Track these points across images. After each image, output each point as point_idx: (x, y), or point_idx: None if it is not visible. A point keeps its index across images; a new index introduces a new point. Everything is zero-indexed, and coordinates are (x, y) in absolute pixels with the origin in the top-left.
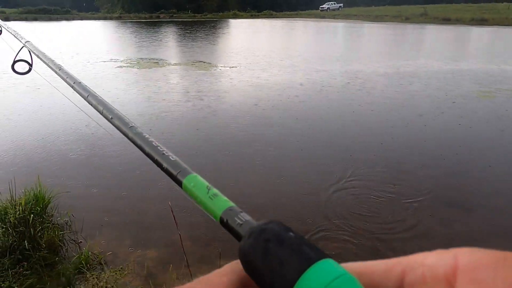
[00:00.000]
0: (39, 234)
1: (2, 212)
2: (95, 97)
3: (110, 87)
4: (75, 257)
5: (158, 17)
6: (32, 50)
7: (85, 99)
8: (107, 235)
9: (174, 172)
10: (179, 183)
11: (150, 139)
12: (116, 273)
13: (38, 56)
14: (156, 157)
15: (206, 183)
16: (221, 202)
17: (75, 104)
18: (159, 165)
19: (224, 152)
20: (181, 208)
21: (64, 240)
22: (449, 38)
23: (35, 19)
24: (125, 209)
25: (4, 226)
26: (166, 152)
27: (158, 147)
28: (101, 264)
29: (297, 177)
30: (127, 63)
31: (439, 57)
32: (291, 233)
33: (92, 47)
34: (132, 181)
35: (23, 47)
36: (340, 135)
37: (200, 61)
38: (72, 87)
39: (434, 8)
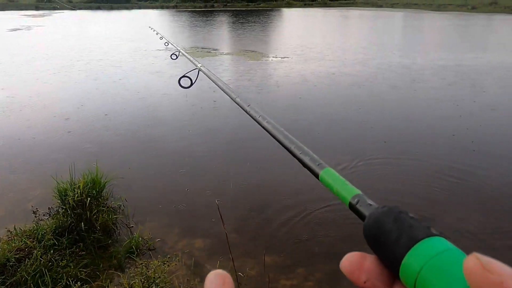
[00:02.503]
0: (95, 216)
1: (63, 194)
2: (253, 108)
3: (164, 75)
4: (126, 242)
5: (213, 6)
6: (204, 72)
7: (244, 109)
8: (157, 221)
9: (313, 165)
10: (316, 175)
11: (293, 138)
12: (163, 263)
13: (208, 77)
14: (299, 153)
15: (339, 175)
16: (352, 190)
17: None
18: (300, 160)
19: None
20: (230, 202)
21: (117, 224)
22: None
23: (99, 8)
24: (176, 198)
25: (64, 207)
26: (307, 149)
27: (302, 145)
28: (150, 250)
29: None
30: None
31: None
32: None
33: (148, 35)
34: (184, 172)
35: (196, 69)
36: None
37: (252, 51)
38: (233, 100)
39: None
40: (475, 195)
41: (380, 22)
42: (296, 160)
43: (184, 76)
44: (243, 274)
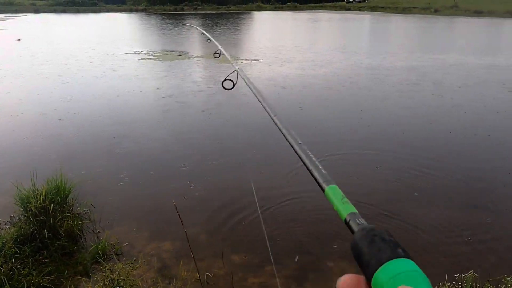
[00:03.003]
0: (59, 223)
1: (25, 201)
2: (280, 119)
3: (132, 80)
4: (93, 247)
5: (182, 9)
6: (241, 74)
7: (272, 117)
8: (126, 226)
9: (321, 180)
10: (322, 189)
11: (310, 154)
12: (129, 265)
13: (244, 80)
14: (311, 167)
15: (342, 193)
16: (348, 208)
17: None
18: (312, 173)
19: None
20: (198, 204)
21: (83, 230)
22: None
23: (64, 11)
24: (145, 202)
25: (26, 215)
26: (320, 165)
27: (315, 161)
28: (118, 254)
29: None
30: (150, 55)
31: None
32: (391, 237)
33: (116, 39)
34: (153, 176)
35: (234, 71)
36: None
37: (222, 54)
38: (264, 107)
39: (465, 0)
40: (439, 189)
41: (348, 25)
42: (264, 162)
43: (226, 79)
44: (211, 274)
